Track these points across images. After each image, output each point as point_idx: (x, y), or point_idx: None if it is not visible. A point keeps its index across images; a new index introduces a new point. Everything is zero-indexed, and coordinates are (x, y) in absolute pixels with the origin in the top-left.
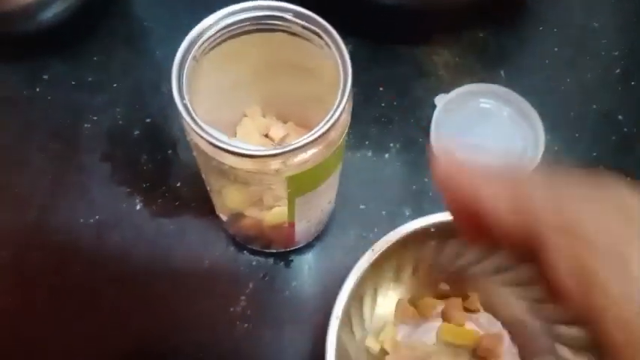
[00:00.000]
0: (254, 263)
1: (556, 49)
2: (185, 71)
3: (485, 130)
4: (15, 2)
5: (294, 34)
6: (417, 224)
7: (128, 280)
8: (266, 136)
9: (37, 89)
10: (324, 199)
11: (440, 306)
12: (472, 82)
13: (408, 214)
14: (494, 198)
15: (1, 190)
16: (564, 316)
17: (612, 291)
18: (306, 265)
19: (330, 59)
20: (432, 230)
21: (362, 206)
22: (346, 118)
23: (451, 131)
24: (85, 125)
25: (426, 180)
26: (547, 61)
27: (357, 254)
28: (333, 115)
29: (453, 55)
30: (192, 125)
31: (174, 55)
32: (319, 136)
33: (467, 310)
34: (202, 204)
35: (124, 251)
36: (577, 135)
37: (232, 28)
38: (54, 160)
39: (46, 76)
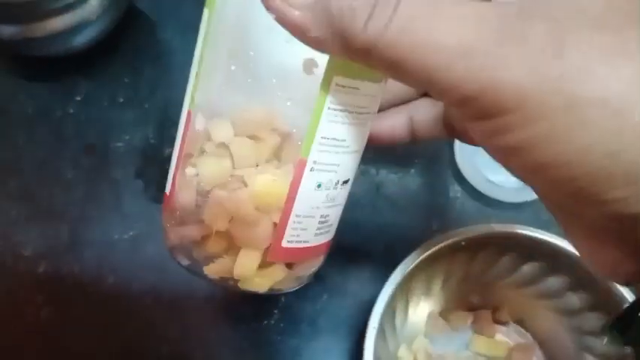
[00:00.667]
0: None
1: None
2: None
3: None
4: (50, 28)
5: None
6: (448, 238)
7: (164, 292)
8: None
9: (71, 110)
10: (350, 155)
11: (470, 318)
12: None
13: (435, 227)
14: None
15: (35, 205)
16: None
17: None
18: (336, 277)
19: None
20: (462, 244)
21: (389, 220)
22: None
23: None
24: (118, 143)
25: (451, 195)
26: None
27: (385, 267)
28: None
29: None
30: None
31: None
32: None
33: (497, 321)
34: None
35: (159, 264)
36: None
37: None
38: (87, 175)
39: (78, 97)
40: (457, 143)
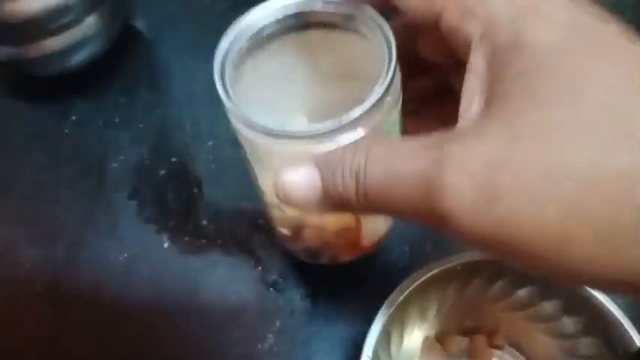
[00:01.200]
0: (281, 301)
1: None
2: (227, 72)
3: None
4: (46, 48)
5: (330, 26)
6: (443, 264)
7: (157, 314)
8: None
9: (66, 130)
10: None
11: (465, 342)
12: None
13: (429, 249)
14: None
15: (31, 226)
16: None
17: None
18: (331, 302)
19: (371, 41)
20: (458, 268)
21: (383, 243)
22: (398, 82)
23: None
24: (113, 164)
25: None
26: None
27: (380, 291)
28: (387, 75)
29: None
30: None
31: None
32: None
33: (492, 346)
34: (229, 241)
35: (153, 287)
36: None
37: (269, 28)
38: (82, 197)
39: (74, 117)
40: None
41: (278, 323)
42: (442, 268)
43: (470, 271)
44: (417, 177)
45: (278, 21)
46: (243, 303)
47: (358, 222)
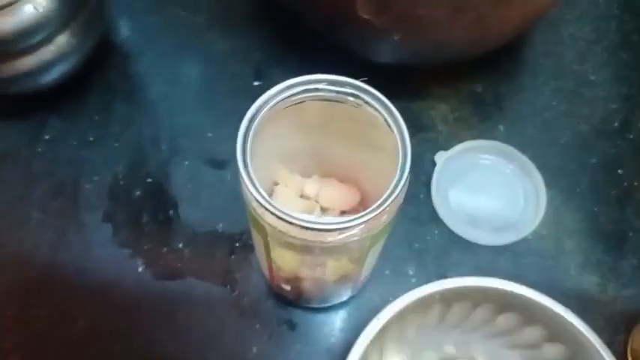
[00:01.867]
0: (258, 326)
1: (554, 102)
2: (248, 151)
3: (486, 187)
4: (17, 67)
5: (352, 104)
6: (422, 292)
7: (132, 340)
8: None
9: (39, 149)
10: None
11: None
12: (470, 136)
13: (411, 272)
14: None
15: (2, 248)
16: None
17: None
18: (310, 327)
19: (384, 129)
20: (437, 297)
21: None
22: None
23: (452, 188)
24: (87, 185)
25: (428, 238)
26: (545, 114)
27: (360, 315)
28: (399, 182)
29: (450, 110)
30: (277, 212)
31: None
32: (393, 199)
33: None
34: (204, 266)
35: (127, 311)
36: (577, 190)
37: (291, 98)
38: (55, 218)
39: (47, 136)
40: (434, 184)
41: (255, 349)
42: (421, 296)
43: (450, 299)
44: None
45: (284, 98)
46: (220, 328)
47: (363, 259)
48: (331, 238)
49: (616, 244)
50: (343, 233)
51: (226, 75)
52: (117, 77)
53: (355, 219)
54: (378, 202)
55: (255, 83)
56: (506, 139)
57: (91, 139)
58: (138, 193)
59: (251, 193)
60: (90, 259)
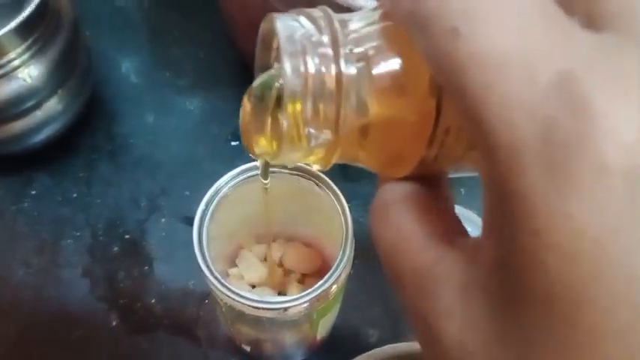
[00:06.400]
0: None
1: None
2: (204, 236)
3: None
4: (7, 131)
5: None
6: (384, 352)
7: None
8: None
9: (25, 204)
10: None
11: None
12: None
13: (373, 339)
14: None
15: None
16: None
17: None
18: None
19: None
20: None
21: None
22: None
23: None
24: (68, 241)
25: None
26: None
27: None
28: (341, 260)
29: None
30: (227, 292)
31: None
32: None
33: None
34: (175, 321)
35: None
36: None
37: (247, 179)
38: (36, 274)
39: (33, 192)
40: None
41: None
42: (382, 357)
43: None
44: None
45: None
46: None
47: (315, 326)
48: (279, 315)
49: None
50: (289, 311)
51: (206, 137)
52: (101, 137)
53: (300, 297)
54: (321, 282)
55: (233, 143)
56: (467, 204)
57: (75, 195)
58: (116, 249)
59: (206, 276)
60: (67, 314)
